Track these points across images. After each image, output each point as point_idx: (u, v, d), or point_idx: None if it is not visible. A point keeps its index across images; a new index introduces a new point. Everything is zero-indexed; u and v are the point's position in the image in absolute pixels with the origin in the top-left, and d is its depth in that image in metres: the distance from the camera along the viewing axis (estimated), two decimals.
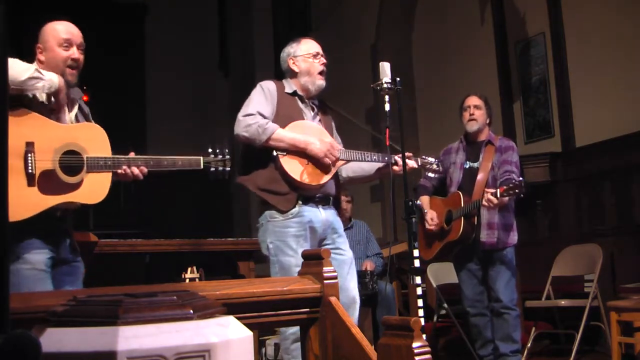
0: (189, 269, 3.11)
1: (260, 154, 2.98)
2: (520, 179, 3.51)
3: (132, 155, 2.64)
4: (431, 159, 3.37)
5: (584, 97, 5.52)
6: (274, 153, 2.95)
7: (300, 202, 2.99)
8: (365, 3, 7.97)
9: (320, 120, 3.20)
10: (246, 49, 10.44)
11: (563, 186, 5.63)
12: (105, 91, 7.93)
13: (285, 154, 2.96)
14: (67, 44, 2.55)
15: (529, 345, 4.42)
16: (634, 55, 5.08)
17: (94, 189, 2.57)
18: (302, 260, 2.88)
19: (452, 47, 6.98)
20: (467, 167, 3.91)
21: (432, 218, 3.90)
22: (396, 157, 3.12)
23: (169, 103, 10.06)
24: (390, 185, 3.17)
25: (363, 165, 3.24)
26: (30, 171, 2.42)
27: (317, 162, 3.00)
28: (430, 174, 3.46)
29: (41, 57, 2.54)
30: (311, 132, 3.05)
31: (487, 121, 3.96)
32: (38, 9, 8.41)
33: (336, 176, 3.18)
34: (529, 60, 6.08)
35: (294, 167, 2.96)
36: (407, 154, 3.10)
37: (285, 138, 2.95)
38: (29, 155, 2.43)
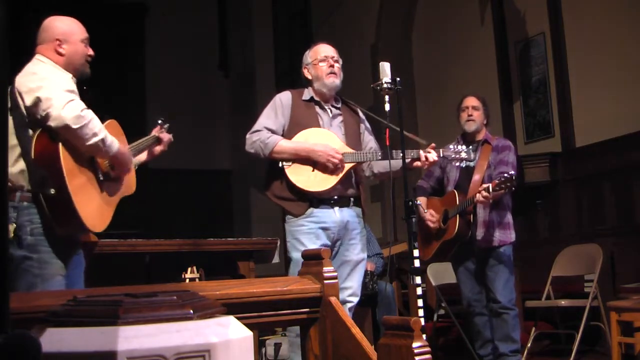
0: (189, 269, 3.12)
1: (275, 165, 3.12)
2: (512, 172, 3.51)
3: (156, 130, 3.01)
4: (460, 147, 3.31)
5: (584, 97, 5.52)
6: (280, 164, 3.08)
7: (313, 206, 3.09)
8: (365, 3, 7.96)
9: (342, 122, 3.26)
10: (246, 49, 10.44)
11: (563, 186, 5.63)
12: (105, 91, 7.92)
13: (290, 164, 3.08)
14: (87, 41, 2.67)
15: (529, 345, 4.42)
16: (634, 55, 5.08)
17: (130, 179, 2.73)
18: None
19: (452, 47, 6.97)
20: (464, 166, 3.91)
21: (432, 214, 3.91)
22: (420, 152, 3.14)
23: (169, 103, 10.03)
24: (390, 185, 3.17)
25: (392, 161, 3.23)
26: (100, 178, 2.54)
27: (323, 167, 3.08)
28: (458, 164, 3.43)
29: (61, 50, 2.59)
30: (319, 138, 3.12)
31: (485, 121, 3.97)
32: (38, 8, 8.41)
33: (355, 175, 3.21)
34: (529, 60, 6.07)
35: (299, 177, 3.07)
36: (431, 145, 3.17)
37: (287, 149, 3.08)
38: (95, 162, 2.52)
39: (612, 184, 5.24)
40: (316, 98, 3.24)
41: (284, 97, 3.23)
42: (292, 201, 3.09)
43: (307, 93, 3.26)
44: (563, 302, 4.42)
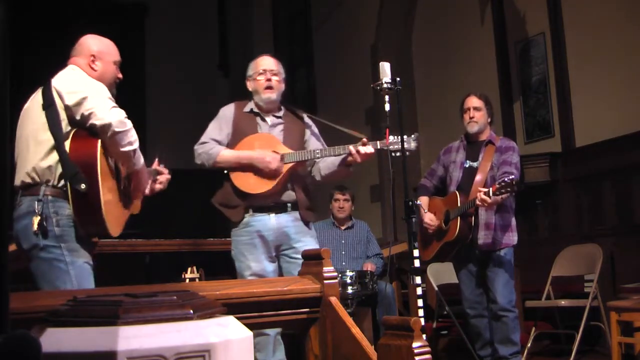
0: (189, 269, 3.13)
1: (222, 174, 3.30)
2: (512, 176, 3.47)
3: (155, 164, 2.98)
4: (398, 137, 3.11)
5: (584, 97, 5.52)
6: (225, 171, 3.26)
7: (250, 212, 3.23)
8: (365, 3, 7.96)
9: (282, 130, 3.35)
10: (246, 49, 10.43)
11: (563, 186, 5.63)
12: None
13: (234, 169, 3.24)
14: (118, 64, 2.76)
15: (529, 345, 4.42)
16: (634, 55, 5.08)
17: (137, 201, 2.79)
18: (252, 265, 3.16)
19: (452, 47, 6.97)
20: (467, 166, 3.89)
21: (430, 219, 3.89)
22: (350, 147, 3.15)
23: (169, 103, 10.04)
24: (390, 185, 3.17)
25: (334, 161, 3.30)
26: (122, 188, 2.60)
27: (262, 172, 3.20)
28: (397, 154, 3.16)
29: (94, 65, 2.67)
30: (260, 142, 3.26)
31: (488, 120, 3.95)
32: (38, 8, 8.41)
33: (294, 180, 3.27)
34: (529, 60, 6.08)
35: (241, 180, 3.23)
36: (363, 139, 3.15)
37: (230, 158, 3.25)
38: (119, 172, 2.59)
39: (612, 184, 5.23)
40: (255, 110, 3.37)
41: (227, 110, 3.42)
42: (231, 208, 3.24)
43: (249, 105, 3.40)
44: (563, 302, 4.41)
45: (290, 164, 3.21)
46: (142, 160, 2.61)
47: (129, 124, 2.47)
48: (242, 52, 10.57)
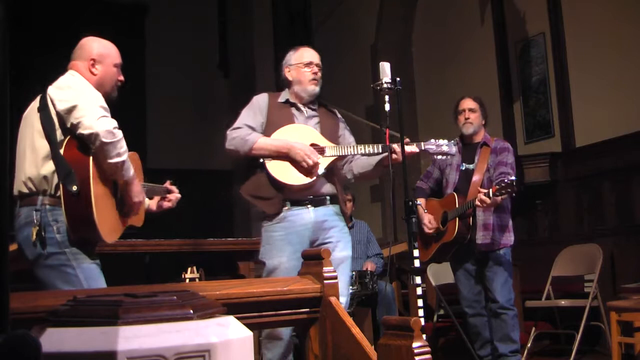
0: (189, 269, 3.12)
1: (253, 164, 3.14)
2: (513, 178, 3.48)
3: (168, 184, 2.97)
4: (442, 141, 3.23)
5: (584, 97, 5.52)
6: (260, 160, 3.09)
7: (288, 206, 3.08)
8: (365, 3, 7.97)
9: (318, 123, 3.25)
10: (246, 49, 10.43)
11: (563, 186, 5.63)
12: None
13: (271, 159, 3.09)
14: (120, 66, 2.71)
15: (529, 345, 4.43)
16: (634, 55, 5.08)
17: (140, 213, 2.75)
18: (284, 262, 3.04)
19: (452, 47, 6.97)
20: (463, 168, 3.91)
21: (429, 221, 3.90)
22: (394, 146, 3.10)
23: (169, 103, 10.04)
24: (390, 185, 3.17)
25: (370, 160, 3.25)
26: (119, 195, 2.57)
27: (299, 166, 3.08)
28: (441, 157, 3.28)
29: (94, 69, 2.63)
30: (299, 134, 3.14)
31: (483, 122, 3.96)
32: (38, 9, 8.41)
33: (333, 175, 3.20)
34: (529, 60, 6.08)
35: (279, 170, 3.07)
36: (405, 140, 3.07)
37: (267, 146, 3.09)
38: (117, 181, 2.55)
39: (612, 184, 5.23)
40: (292, 100, 3.26)
41: (261, 98, 3.27)
42: (267, 199, 3.08)
43: (284, 95, 3.28)
44: (563, 302, 4.42)
45: (333, 158, 3.13)
46: (130, 172, 2.55)
47: (118, 135, 2.41)
48: (242, 52, 10.58)
